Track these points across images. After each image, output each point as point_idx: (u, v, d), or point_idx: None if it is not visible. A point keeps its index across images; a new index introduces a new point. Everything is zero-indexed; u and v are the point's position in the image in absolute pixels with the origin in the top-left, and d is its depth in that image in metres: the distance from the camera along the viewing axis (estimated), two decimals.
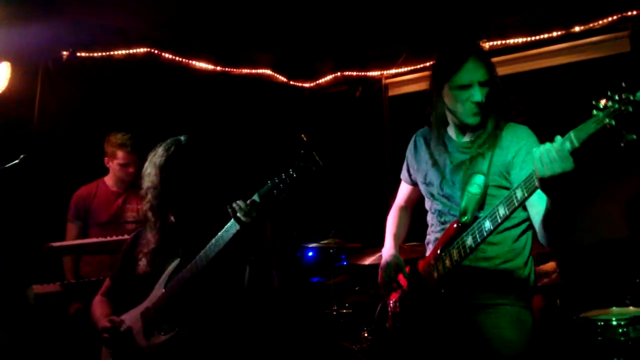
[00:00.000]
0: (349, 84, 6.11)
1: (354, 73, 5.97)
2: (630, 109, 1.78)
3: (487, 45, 4.84)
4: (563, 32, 4.73)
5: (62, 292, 3.48)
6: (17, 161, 3.35)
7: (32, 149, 3.52)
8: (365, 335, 4.42)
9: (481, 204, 2.38)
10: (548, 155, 1.92)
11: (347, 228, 5.11)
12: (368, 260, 4.40)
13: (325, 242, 4.73)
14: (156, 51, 5.12)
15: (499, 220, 2.19)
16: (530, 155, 2.21)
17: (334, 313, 4.65)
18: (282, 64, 5.96)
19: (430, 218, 2.63)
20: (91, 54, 4.84)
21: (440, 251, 2.42)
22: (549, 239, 2.21)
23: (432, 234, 2.58)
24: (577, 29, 4.67)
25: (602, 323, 3.33)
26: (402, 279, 2.62)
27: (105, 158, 4.31)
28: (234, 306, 2.47)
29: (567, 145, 1.91)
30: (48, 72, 4.68)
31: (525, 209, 2.33)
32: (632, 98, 1.78)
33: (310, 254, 5.64)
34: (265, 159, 5.04)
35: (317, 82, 6.21)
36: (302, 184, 2.18)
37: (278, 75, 5.99)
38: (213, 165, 2.55)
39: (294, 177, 2.17)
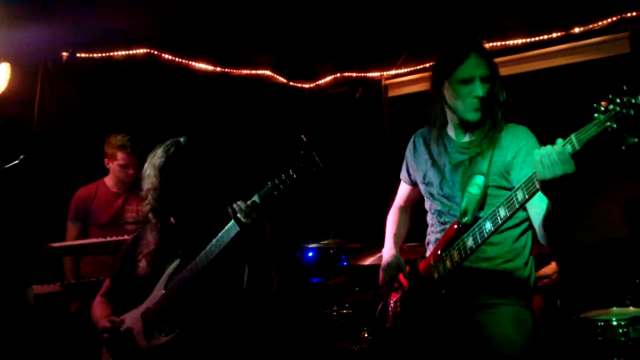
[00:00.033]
0: (348, 84, 6.11)
1: (354, 74, 5.97)
2: (632, 112, 1.78)
3: (487, 46, 4.84)
4: (563, 33, 4.74)
5: (62, 293, 3.48)
6: (17, 161, 3.35)
7: (32, 149, 3.52)
8: (366, 335, 4.42)
9: (481, 205, 2.38)
10: (549, 157, 1.93)
11: (347, 228, 5.11)
12: (368, 261, 4.39)
13: (325, 242, 4.73)
14: (156, 52, 5.12)
15: (500, 222, 2.19)
16: (530, 156, 2.22)
17: (334, 313, 4.65)
18: (282, 65, 5.95)
19: (430, 218, 2.63)
20: (91, 55, 4.84)
21: (441, 252, 2.42)
22: (549, 239, 2.21)
23: (432, 234, 2.58)
24: (576, 30, 4.68)
25: (602, 323, 3.33)
26: (402, 278, 2.62)
27: (105, 159, 4.32)
28: (234, 307, 2.47)
29: (568, 148, 1.91)
30: (48, 73, 4.68)
31: (525, 209, 2.33)
32: (633, 101, 1.78)
33: (310, 254, 5.64)
34: (265, 160, 5.03)
35: (317, 83, 6.20)
36: (302, 185, 2.18)
37: (278, 76, 5.99)
38: (213, 166, 2.55)
39: (294, 178, 2.17)
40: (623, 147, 1.82)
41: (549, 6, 4.69)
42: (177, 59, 5.26)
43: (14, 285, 3.67)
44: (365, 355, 4.30)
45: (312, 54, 5.85)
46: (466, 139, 2.51)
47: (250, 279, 2.39)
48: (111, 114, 4.75)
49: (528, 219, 2.37)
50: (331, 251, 4.79)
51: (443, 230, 2.49)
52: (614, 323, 3.29)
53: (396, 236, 2.85)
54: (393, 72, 5.76)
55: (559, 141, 1.95)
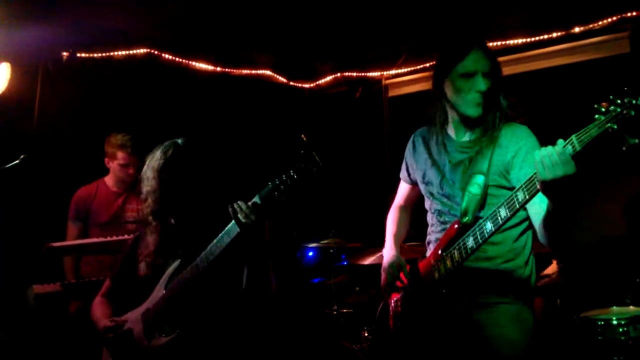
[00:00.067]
0: (348, 84, 6.11)
1: (354, 74, 5.97)
2: (633, 113, 1.78)
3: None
4: (563, 33, 4.74)
5: (63, 292, 3.49)
6: (17, 161, 3.35)
7: (32, 149, 3.51)
8: (366, 335, 4.42)
9: (482, 204, 2.38)
10: (550, 158, 1.92)
11: (347, 228, 5.11)
12: (368, 260, 4.40)
13: (325, 242, 4.73)
14: (156, 52, 5.11)
15: (500, 222, 2.19)
16: (530, 155, 2.22)
17: (334, 313, 4.66)
18: (282, 65, 5.95)
19: (430, 218, 2.63)
20: (91, 55, 4.84)
21: (442, 252, 2.42)
22: (549, 239, 2.21)
23: (433, 234, 2.58)
24: (576, 29, 4.68)
25: (603, 322, 3.33)
26: (403, 278, 2.63)
27: (106, 159, 4.32)
28: (234, 307, 2.47)
29: (569, 149, 1.91)
30: (48, 73, 4.68)
31: (525, 208, 2.32)
32: (634, 102, 1.78)
33: (311, 254, 5.64)
34: (265, 160, 5.03)
35: (317, 82, 6.20)
36: (303, 185, 2.18)
37: (278, 76, 5.99)
38: (212, 166, 2.55)
39: (294, 178, 2.17)
40: (624, 148, 1.82)
41: (549, 6, 4.68)
42: (177, 59, 5.25)
43: (14, 285, 3.67)
44: (366, 355, 4.30)
45: (312, 54, 5.84)
46: (466, 138, 2.51)
47: (249, 279, 2.39)
48: (111, 113, 4.75)
49: (528, 218, 2.37)
50: (331, 251, 4.79)
51: (443, 229, 2.49)
52: (614, 322, 3.30)
53: (396, 236, 2.85)
54: (393, 72, 5.76)
55: (560, 142, 1.94)
